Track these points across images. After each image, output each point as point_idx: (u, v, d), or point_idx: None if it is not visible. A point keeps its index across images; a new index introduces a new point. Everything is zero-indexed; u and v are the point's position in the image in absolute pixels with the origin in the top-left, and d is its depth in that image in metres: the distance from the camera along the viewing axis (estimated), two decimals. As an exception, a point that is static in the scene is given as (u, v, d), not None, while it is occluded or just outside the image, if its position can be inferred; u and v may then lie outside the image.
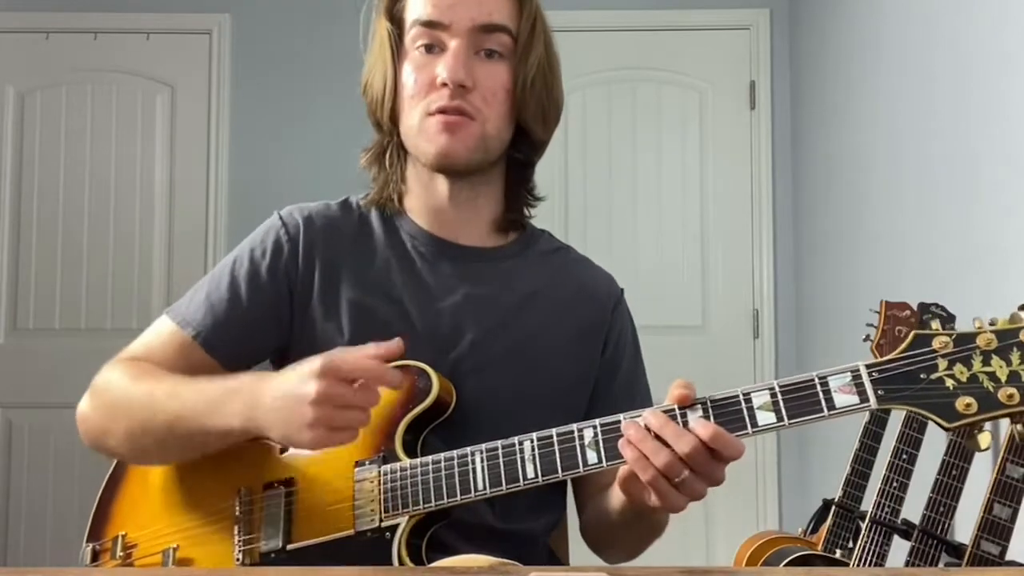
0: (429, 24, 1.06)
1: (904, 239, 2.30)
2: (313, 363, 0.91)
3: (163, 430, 1.00)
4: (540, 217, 1.24)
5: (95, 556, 1.09)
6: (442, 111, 1.05)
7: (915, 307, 1.72)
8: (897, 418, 1.75)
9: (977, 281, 1.89)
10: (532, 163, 1.17)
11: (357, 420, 0.92)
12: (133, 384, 1.04)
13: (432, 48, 1.07)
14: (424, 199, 1.14)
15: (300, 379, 0.92)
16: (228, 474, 1.04)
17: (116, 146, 3.44)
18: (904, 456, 1.64)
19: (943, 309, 1.70)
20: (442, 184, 1.12)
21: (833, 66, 2.92)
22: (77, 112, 3.44)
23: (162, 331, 1.12)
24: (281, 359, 1.11)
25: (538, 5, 1.11)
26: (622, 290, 1.23)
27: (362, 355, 0.92)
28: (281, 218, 1.15)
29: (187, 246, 3.41)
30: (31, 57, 3.44)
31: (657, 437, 0.86)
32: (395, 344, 0.94)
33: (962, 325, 1.67)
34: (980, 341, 0.82)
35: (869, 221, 2.56)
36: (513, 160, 1.15)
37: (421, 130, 1.08)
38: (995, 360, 0.81)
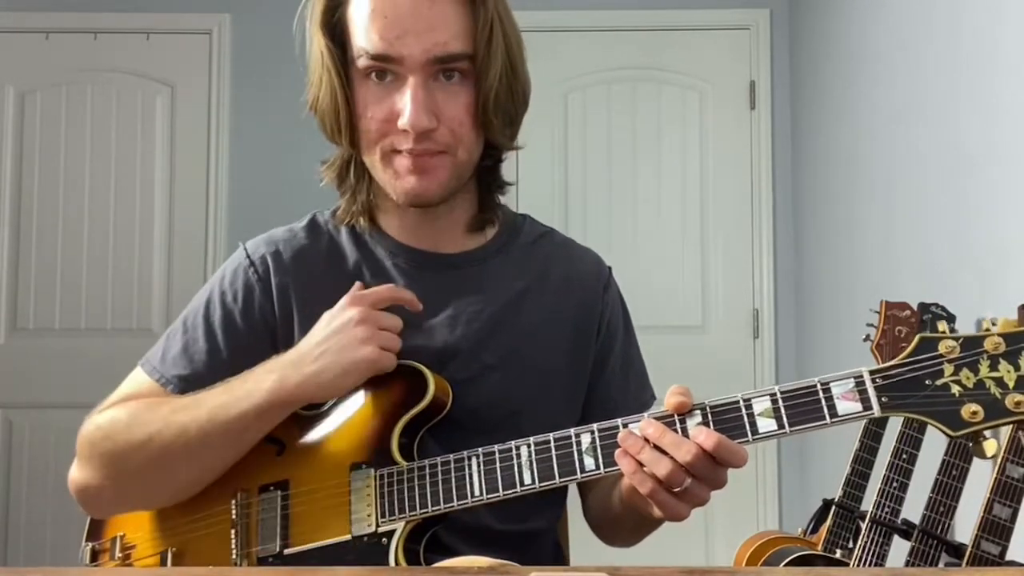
0: (379, 58, 0.98)
1: (904, 239, 2.30)
2: (340, 301, 0.99)
3: (197, 439, 0.96)
4: (540, 218, 1.21)
5: (94, 556, 1.09)
6: (409, 152, 0.99)
7: (915, 307, 1.72)
8: (897, 418, 1.75)
9: (976, 281, 1.89)
10: (502, 160, 1.12)
11: (395, 342, 0.98)
12: (145, 413, 1.00)
13: (385, 75, 0.99)
14: (398, 215, 1.10)
15: (333, 315, 0.98)
16: (225, 476, 1.03)
17: (116, 146, 3.44)
18: (904, 456, 1.64)
19: (943, 309, 1.70)
20: (416, 208, 1.07)
21: (833, 66, 2.92)
22: (77, 112, 3.44)
23: (141, 384, 1.08)
24: None
25: (494, 3, 1.00)
26: (610, 269, 1.20)
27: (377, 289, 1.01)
28: (248, 256, 1.10)
29: (187, 246, 3.41)
30: (31, 57, 3.44)
31: (656, 447, 0.83)
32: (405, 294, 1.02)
33: (962, 324, 1.67)
34: (988, 345, 0.78)
35: (869, 221, 2.55)
36: (483, 164, 1.09)
37: (388, 166, 1.02)
38: (1003, 365, 0.78)
